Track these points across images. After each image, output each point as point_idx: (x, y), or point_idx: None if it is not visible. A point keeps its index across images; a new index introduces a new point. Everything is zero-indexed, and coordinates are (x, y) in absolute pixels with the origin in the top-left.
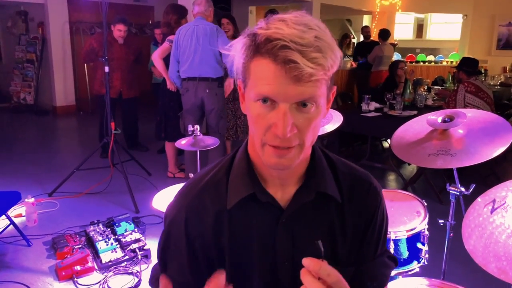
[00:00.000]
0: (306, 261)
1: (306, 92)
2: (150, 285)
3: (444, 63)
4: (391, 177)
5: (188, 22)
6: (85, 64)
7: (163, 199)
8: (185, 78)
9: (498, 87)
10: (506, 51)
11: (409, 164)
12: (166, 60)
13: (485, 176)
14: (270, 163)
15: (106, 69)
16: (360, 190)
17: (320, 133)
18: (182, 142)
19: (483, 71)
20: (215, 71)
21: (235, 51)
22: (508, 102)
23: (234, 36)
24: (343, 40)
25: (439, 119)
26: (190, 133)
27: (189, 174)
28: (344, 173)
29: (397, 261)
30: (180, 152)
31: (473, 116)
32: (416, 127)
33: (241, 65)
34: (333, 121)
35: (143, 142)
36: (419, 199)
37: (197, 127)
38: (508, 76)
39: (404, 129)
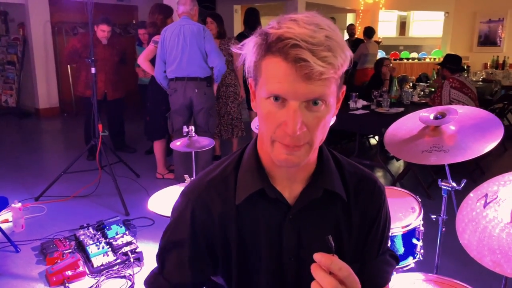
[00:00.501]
0: (317, 256)
1: (316, 90)
2: (144, 285)
3: (428, 60)
4: (379, 174)
5: (173, 22)
6: (68, 65)
7: (159, 201)
8: (172, 78)
9: (481, 83)
10: (487, 47)
11: (397, 160)
12: (154, 61)
13: (471, 171)
14: (280, 160)
15: (93, 70)
16: (366, 189)
17: None
18: (177, 144)
19: (466, 68)
20: (203, 70)
21: (247, 50)
22: (491, 97)
23: (218, 36)
24: None
25: (431, 116)
26: (184, 134)
27: (185, 176)
28: (350, 172)
29: (398, 259)
30: (168, 152)
31: (464, 112)
32: (408, 124)
33: (252, 64)
34: None
35: (129, 143)
36: (413, 195)
37: (192, 128)
38: (490, 72)
39: (396, 126)
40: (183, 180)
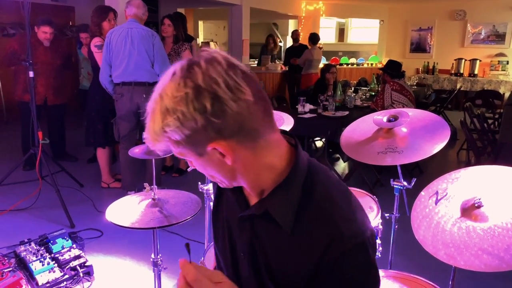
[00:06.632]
0: (180, 260)
1: None
2: None
3: (366, 65)
4: None
5: (118, 25)
6: None
7: (117, 211)
8: (118, 83)
9: (415, 87)
10: (418, 53)
11: (344, 161)
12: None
13: (410, 170)
14: None
15: (31, 74)
16: (323, 235)
17: None
18: (136, 151)
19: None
20: (151, 75)
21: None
22: (426, 100)
23: (174, 40)
24: (268, 39)
25: (385, 119)
26: (144, 140)
27: (144, 184)
28: (318, 207)
29: None
30: (113, 160)
31: (414, 115)
32: (362, 127)
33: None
34: (285, 124)
35: (71, 151)
36: (370, 195)
37: None
38: (422, 77)
39: (351, 129)
40: (132, 189)
